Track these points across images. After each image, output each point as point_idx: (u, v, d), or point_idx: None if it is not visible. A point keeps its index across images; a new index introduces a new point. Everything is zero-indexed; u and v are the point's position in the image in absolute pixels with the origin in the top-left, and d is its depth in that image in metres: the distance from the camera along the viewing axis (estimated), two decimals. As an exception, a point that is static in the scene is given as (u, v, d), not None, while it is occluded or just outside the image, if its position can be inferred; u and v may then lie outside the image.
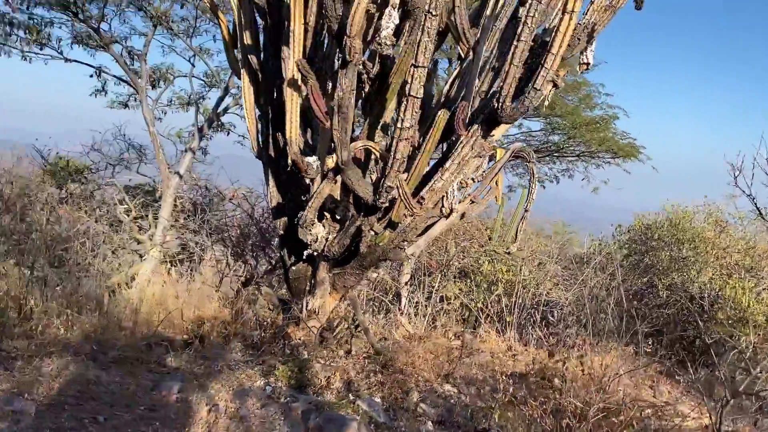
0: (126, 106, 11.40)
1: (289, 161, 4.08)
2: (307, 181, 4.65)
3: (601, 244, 11.43)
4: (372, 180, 4.81)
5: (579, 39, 4.32)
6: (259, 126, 5.09)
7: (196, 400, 4.06)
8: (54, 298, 6.34)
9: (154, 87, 11.52)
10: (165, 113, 11.90)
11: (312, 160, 4.18)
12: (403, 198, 4.03)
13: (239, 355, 5.12)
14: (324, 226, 4.73)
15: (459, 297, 9.86)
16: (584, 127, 10.20)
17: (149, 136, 10.54)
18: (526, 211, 5.40)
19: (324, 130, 4.20)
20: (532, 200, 5.36)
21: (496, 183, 5.97)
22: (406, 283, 10.17)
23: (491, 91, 4.71)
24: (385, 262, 5.16)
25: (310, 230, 4.54)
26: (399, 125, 3.78)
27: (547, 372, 6.10)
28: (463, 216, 5.66)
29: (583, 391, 4.83)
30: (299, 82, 3.96)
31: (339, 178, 4.37)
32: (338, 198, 4.71)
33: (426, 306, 9.45)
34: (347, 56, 3.58)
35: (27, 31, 10.25)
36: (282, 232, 5.19)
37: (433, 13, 3.53)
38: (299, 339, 5.42)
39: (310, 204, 4.30)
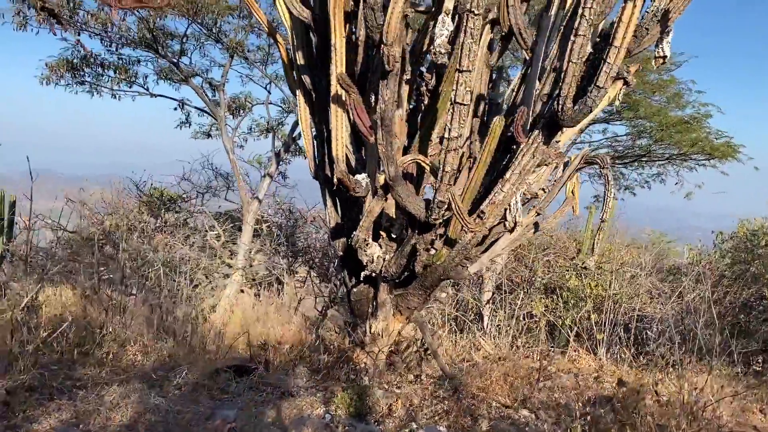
0: (209, 135, 11.73)
1: (335, 179, 3.89)
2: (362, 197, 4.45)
3: (700, 253, 10.50)
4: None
5: (647, 29, 3.88)
6: (315, 145, 4.95)
7: (249, 430, 3.90)
8: (134, 325, 6.47)
9: (234, 116, 11.81)
10: (246, 140, 12.15)
11: (361, 177, 3.96)
12: (456, 213, 3.73)
13: (303, 381, 4.94)
14: (381, 245, 4.49)
15: (545, 314, 9.35)
16: (673, 128, 9.42)
17: (227, 163, 10.76)
18: (602, 221, 4.93)
19: (372, 146, 3.97)
20: (608, 209, 4.89)
21: (573, 192, 5.53)
22: (488, 302, 9.75)
23: (553, 94, 4.33)
24: (447, 281, 4.84)
25: (365, 250, 4.31)
26: (447, 135, 3.49)
27: (633, 396, 5.55)
28: (536, 229, 5.27)
29: (673, 419, 4.29)
30: (343, 98, 3.77)
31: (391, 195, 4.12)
32: (394, 216, 4.46)
33: (509, 325, 9.00)
34: (386, 65, 3.34)
35: (116, 71, 10.77)
36: (341, 253, 5.00)
37: (475, 12, 3.24)
38: (364, 363, 5.19)
39: (361, 223, 4.08)
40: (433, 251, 4.38)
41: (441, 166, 3.59)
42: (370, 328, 5.01)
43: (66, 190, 13.51)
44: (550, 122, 3.93)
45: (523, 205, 4.89)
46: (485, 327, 9.27)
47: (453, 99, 3.39)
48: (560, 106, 3.74)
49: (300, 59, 4.79)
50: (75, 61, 10.38)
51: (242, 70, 11.62)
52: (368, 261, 4.37)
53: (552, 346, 9.09)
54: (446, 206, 3.75)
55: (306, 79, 4.77)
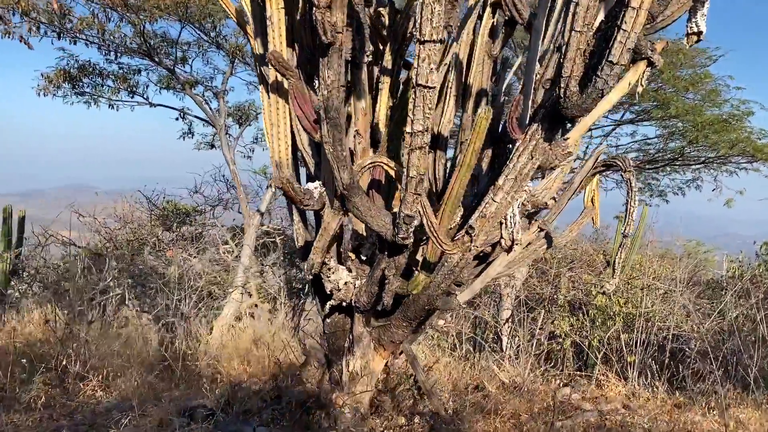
0: (212, 146, 11.02)
1: (273, 188, 3.01)
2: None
3: (742, 265, 9.34)
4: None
5: (676, -14, 2.94)
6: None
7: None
8: (103, 353, 5.72)
9: (240, 125, 11.10)
10: (254, 151, 11.41)
11: (313, 186, 3.09)
12: (428, 230, 2.83)
13: (265, 430, 4.07)
14: (351, 269, 3.60)
15: (570, 334, 8.37)
16: (709, 128, 8.31)
17: (231, 175, 10.02)
18: (624, 237, 3.95)
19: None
20: (631, 222, 3.90)
21: (592, 201, 4.59)
22: (506, 321, 8.80)
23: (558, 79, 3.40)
24: (436, 313, 3.92)
25: (328, 276, 3.43)
26: (409, 129, 2.60)
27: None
28: (549, 244, 4.33)
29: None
30: (285, 85, 2.91)
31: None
32: (364, 234, 3.57)
33: (529, 346, 8.04)
34: (323, 37, 2.47)
35: (116, 80, 10.17)
36: (310, 276, 4.11)
37: (438, -40, 2.34)
38: (345, 406, 4.29)
39: (315, 244, 3.20)
40: (419, 275, 3.47)
41: (405, 169, 2.70)
42: (347, 365, 4.11)
43: (76, 204, 13.04)
44: (552, 112, 3.00)
45: (530, 217, 3.97)
46: (504, 349, 8.33)
47: (415, 81, 2.50)
48: (563, 90, 2.82)
49: (258, 48, 3.95)
50: (72, 71, 9.78)
51: (248, 77, 10.92)
52: (333, 288, 3.49)
53: (579, 365, 8.13)
54: (416, 222, 2.84)
55: (266, 70, 3.93)
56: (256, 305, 10.44)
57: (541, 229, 3.59)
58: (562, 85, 2.82)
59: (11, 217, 10.53)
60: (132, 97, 10.49)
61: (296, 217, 4.09)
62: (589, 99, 2.77)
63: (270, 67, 2.83)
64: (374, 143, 3.53)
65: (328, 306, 3.66)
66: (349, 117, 3.35)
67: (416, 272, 3.35)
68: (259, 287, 10.66)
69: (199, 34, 9.63)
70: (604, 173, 5.06)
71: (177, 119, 10.73)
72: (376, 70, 4.04)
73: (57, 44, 9.26)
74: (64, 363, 5.10)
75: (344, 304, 3.72)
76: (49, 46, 9.17)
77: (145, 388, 5.41)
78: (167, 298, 9.46)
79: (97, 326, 6.22)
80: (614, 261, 3.96)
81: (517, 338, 8.19)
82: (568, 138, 3.50)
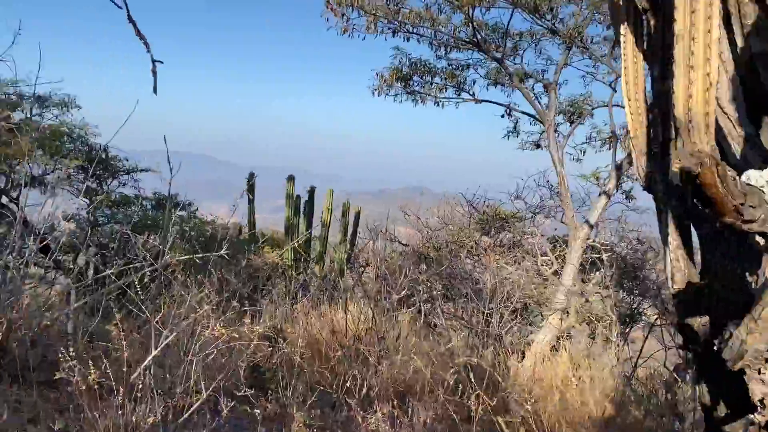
0: (538, 146, 9.53)
1: (672, 172, 1.27)
2: (759, 239, 1.68)
3: None
4: None
5: None
6: (649, 126, 2.33)
7: None
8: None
9: (571, 122, 9.37)
10: (584, 153, 9.55)
11: (760, 175, 1.29)
12: None
13: None
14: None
15: None
16: None
17: (557, 178, 8.36)
18: None
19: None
20: None
21: None
22: None
23: None
24: None
25: (762, 379, 1.57)
26: None
27: None
28: None
29: None
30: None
31: None
32: None
33: None
34: None
35: (444, 78, 9.45)
36: (699, 348, 2.22)
37: None
38: None
39: (758, 311, 1.36)
40: None
41: None
42: None
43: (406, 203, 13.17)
44: None
45: None
46: None
47: None
48: None
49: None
50: (404, 69, 9.33)
51: (584, 67, 9.13)
52: (764, 397, 1.60)
53: None
54: None
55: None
56: (573, 326, 8.74)
57: None
58: None
59: (349, 212, 10.93)
60: (458, 94, 9.65)
61: (673, 234, 2.25)
62: None
63: None
64: None
65: (742, 423, 1.76)
66: None
67: None
68: (580, 308, 8.88)
69: (532, 20, 8.21)
70: None
71: (502, 116, 9.53)
72: None
73: (392, 42, 8.90)
74: (348, 386, 4.13)
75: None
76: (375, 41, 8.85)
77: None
78: (478, 308, 8.38)
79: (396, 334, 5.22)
80: None
81: None
82: None
